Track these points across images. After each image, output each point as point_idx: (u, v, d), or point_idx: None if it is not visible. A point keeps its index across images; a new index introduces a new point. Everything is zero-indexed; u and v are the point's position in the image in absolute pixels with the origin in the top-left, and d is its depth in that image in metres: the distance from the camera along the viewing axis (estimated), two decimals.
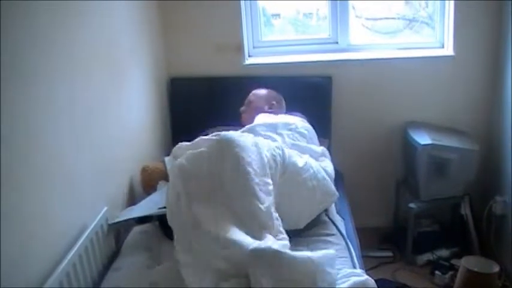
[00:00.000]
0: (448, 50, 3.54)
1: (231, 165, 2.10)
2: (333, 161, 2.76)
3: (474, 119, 3.57)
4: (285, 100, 3.29)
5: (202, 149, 2.23)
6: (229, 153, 2.12)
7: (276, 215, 2.07)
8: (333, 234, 2.33)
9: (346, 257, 2.17)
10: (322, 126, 3.37)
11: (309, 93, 3.48)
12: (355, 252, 2.27)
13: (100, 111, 2.53)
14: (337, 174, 2.83)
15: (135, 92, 3.10)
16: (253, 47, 3.76)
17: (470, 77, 3.54)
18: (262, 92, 3.29)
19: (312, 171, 2.42)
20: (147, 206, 2.49)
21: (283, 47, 3.80)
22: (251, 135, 2.34)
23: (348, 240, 2.30)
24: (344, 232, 2.42)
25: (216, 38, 3.59)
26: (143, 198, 2.67)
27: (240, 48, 3.61)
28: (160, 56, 3.60)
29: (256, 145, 2.22)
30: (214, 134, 2.34)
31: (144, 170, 2.91)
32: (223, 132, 2.24)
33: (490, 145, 3.49)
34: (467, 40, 3.46)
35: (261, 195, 2.05)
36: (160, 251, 2.28)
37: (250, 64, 3.65)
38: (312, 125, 2.94)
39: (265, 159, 2.18)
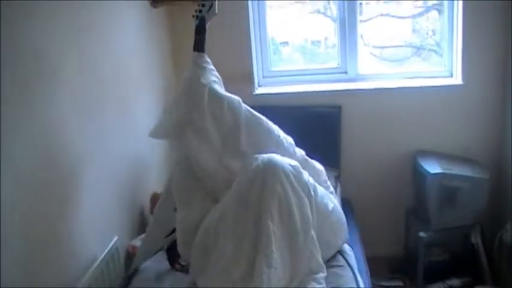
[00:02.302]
0: (457, 79, 3.55)
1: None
2: (342, 190, 2.75)
3: (484, 148, 3.56)
4: (294, 129, 3.22)
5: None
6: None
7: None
8: (341, 266, 2.32)
9: None
10: (332, 156, 3.40)
11: (318, 122, 3.50)
12: (364, 282, 2.26)
13: (109, 138, 2.57)
14: (347, 204, 2.83)
15: (144, 120, 3.13)
16: (263, 77, 3.79)
17: (480, 106, 3.54)
18: None
19: (338, 215, 2.41)
20: (153, 241, 2.55)
21: (292, 77, 3.83)
22: None
23: (356, 271, 2.29)
24: (353, 262, 2.40)
25: (226, 67, 3.59)
26: None
27: (249, 78, 3.66)
28: (171, 85, 3.64)
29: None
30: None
31: (154, 197, 2.95)
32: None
33: (500, 173, 3.47)
34: (476, 69, 3.47)
35: None
36: (171, 279, 2.32)
37: (260, 94, 3.68)
38: (322, 155, 2.84)
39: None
